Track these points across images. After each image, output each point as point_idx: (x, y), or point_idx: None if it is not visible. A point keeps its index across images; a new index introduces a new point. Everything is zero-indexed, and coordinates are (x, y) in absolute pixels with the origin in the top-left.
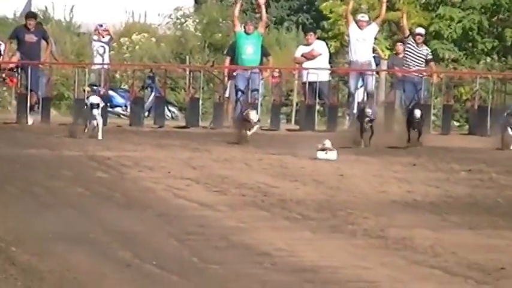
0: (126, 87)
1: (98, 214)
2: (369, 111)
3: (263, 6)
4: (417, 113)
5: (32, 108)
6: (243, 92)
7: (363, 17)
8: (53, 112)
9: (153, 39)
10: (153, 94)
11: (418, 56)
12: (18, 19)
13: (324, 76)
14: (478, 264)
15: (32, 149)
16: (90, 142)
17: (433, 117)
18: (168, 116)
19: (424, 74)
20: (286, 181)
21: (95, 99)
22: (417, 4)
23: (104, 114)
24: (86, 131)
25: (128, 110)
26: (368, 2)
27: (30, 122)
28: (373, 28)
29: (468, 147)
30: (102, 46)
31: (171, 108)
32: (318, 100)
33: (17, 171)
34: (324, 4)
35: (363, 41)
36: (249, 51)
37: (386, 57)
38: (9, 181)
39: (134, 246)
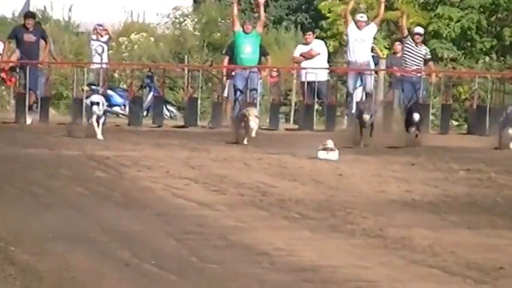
0: (124, 86)
1: (96, 214)
2: (366, 116)
3: (262, 6)
4: (416, 114)
5: (30, 107)
6: (241, 92)
7: (361, 17)
8: (52, 112)
9: (152, 39)
10: (151, 93)
11: (417, 56)
12: (17, 19)
13: (323, 76)
14: (476, 263)
15: (31, 149)
16: (88, 142)
17: (431, 117)
18: (166, 115)
19: (423, 73)
20: (285, 181)
21: (95, 97)
22: (416, 3)
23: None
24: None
25: (127, 109)
26: (367, 1)
27: (28, 121)
28: (372, 28)
29: (467, 146)
30: (101, 45)
31: (169, 107)
32: (316, 100)
33: (16, 171)
34: (323, 3)
35: (361, 41)
36: (248, 50)
37: (384, 56)
38: (8, 181)
39: (133, 246)
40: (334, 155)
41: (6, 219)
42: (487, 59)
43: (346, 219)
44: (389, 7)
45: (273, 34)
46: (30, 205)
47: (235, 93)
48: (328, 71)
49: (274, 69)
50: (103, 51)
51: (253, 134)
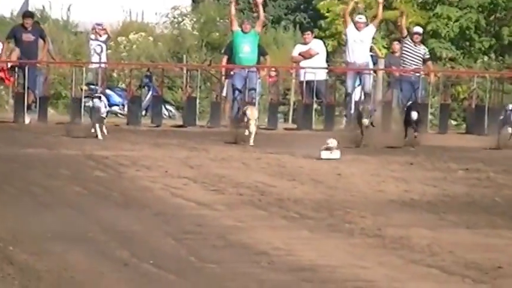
0: (123, 86)
1: (95, 213)
2: (365, 121)
3: (260, 6)
4: (414, 113)
5: (29, 107)
6: (240, 91)
7: (360, 18)
8: (50, 111)
9: (151, 38)
10: (150, 93)
11: (416, 56)
12: (16, 18)
13: (321, 75)
14: (475, 263)
15: (30, 148)
16: (87, 141)
17: (430, 116)
18: (165, 115)
19: (422, 73)
20: (283, 180)
21: (97, 102)
22: (414, 3)
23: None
24: (93, 131)
25: (125, 109)
26: (365, 1)
27: (27, 121)
28: (371, 29)
29: (465, 146)
30: (100, 45)
31: (168, 107)
32: (315, 99)
33: (15, 171)
34: (322, 3)
35: (360, 42)
36: (246, 50)
37: (383, 56)
38: (7, 180)
39: (132, 246)
40: (336, 154)
41: (5, 219)
42: (486, 58)
43: (345, 219)
44: (388, 7)
45: (271, 34)
46: (29, 205)
47: (233, 93)
48: (326, 70)
49: (273, 69)
50: (102, 50)
51: (252, 140)
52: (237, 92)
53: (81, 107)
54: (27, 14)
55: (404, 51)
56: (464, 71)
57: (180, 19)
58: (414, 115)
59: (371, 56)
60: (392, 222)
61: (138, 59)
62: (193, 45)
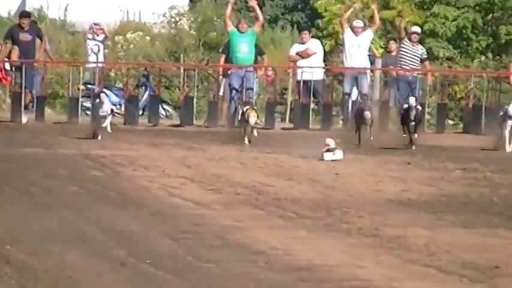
0: (120, 85)
1: (93, 213)
2: (368, 113)
3: (257, 8)
4: (412, 113)
5: (26, 106)
6: (237, 91)
7: (358, 22)
8: (48, 111)
9: (148, 38)
10: (147, 93)
11: (414, 55)
12: (13, 18)
13: (319, 75)
14: (472, 263)
15: (28, 148)
16: (85, 141)
17: (427, 116)
18: (162, 114)
19: (419, 72)
20: (281, 180)
21: (106, 106)
22: (412, 2)
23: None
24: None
25: (123, 108)
26: (362, 0)
27: (24, 120)
28: (369, 35)
29: (463, 145)
30: (97, 45)
31: (165, 106)
32: (312, 99)
33: (13, 170)
34: (319, 2)
35: (357, 47)
36: (244, 49)
37: (380, 55)
38: (5, 180)
39: (129, 245)
40: (339, 155)
41: (2, 219)
42: (483, 58)
43: (342, 219)
44: (385, 6)
45: (269, 33)
46: (27, 204)
47: (231, 93)
48: (324, 70)
49: (270, 68)
50: (99, 50)
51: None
52: (234, 92)
53: (78, 106)
54: (24, 14)
55: (402, 51)
56: (461, 71)
57: (177, 18)
58: (412, 115)
59: (368, 55)
60: (389, 221)
61: (135, 58)
62: (190, 45)
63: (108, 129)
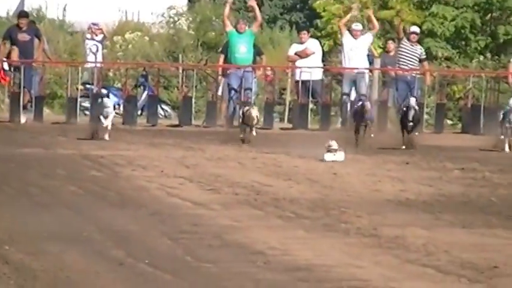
0: (119, 85)
1: (91, 213)
2: (368, 104)
3: (256, 8)
4: (410, 113)
5: (24, 106)
6: (236, 91)
7: (356, 25)
8: (46, 111)
9: (146, 38)
10: (146, 93)
11: (412, 55)
12: (12, 18)
13: (317, 75)
14: (471, 262)
15: (26, 148)
16: (83, 141)
17: (426, 116)
18: (161, 114)
19: (418, 72)
20: (279, 180)
21: (111, 110)
22: (410, 2)
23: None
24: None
25: (121, 108)
26: (361, 0)
27: (23, 120)
28: (368, 38)
29: (461, 145)
30: (95, 45)
31: (164, 106)
32: (311, 99)
33: (11, 170)
34: (317, 2)
35: (356, 50)
36: (242, 50)
37: (378, 55)
38: (4, 180)
39: (128, 245)
40: (340, 156)
41: (1, 219)
42: (482, 57)
43: (341, 219)
44: (384, 6)
45: (267, 33)
46: (25, 204)
47: (229, 93)
48: (322, 70)
49: (269, 68)
50: (97, 50)
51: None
52: (232, 92)
53: (76, 106)
54: (22, 14)
55: (400, 51)
56: (460, 71)
57: (176, 18)
58: (410, 115)
59: (367, 55)
60: (388, 221)
61: (134, 58)
62: (189, 45)
63: (109, 128)
